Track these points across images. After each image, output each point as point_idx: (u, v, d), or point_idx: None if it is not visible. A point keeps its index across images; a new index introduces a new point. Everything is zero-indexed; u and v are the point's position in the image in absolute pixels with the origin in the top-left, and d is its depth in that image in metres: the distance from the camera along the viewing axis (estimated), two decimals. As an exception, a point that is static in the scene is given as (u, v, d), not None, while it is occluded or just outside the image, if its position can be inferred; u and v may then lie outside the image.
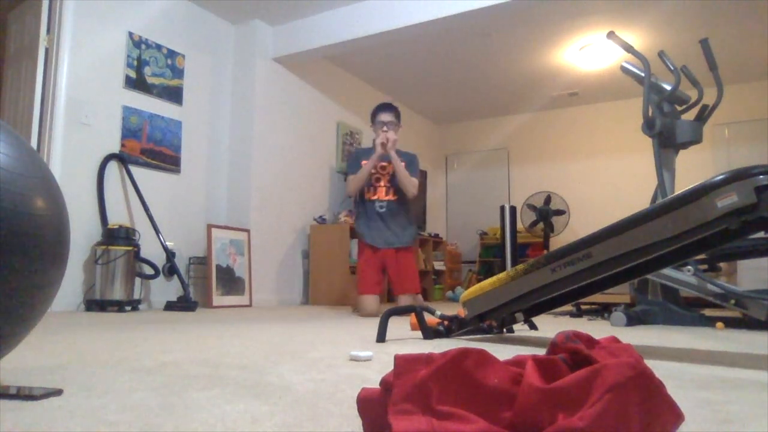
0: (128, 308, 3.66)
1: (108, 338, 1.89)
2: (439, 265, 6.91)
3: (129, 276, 3.67)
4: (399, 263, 3.68)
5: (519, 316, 1.91)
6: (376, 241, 3.68)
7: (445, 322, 2.03)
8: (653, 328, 2.73)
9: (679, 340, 2.11)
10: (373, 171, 3.71)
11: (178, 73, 4.54)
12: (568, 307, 3.96)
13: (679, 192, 1.37)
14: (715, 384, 1.12)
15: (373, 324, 2.60)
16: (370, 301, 3.59)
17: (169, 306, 3.91)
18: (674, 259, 1.49)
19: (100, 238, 3.70)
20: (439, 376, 0.61)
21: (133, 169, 4.07)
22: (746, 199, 1.24)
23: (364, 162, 3.71)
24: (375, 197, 3.71)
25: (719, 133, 6.31)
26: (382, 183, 3.72)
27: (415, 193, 3.74)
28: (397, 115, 3.78)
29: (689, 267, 2.59)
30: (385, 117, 3.72)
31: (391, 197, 3.71)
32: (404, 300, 3.59)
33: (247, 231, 4.78)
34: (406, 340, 1.95)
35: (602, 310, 3.75)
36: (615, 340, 0.80)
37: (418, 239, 3.84)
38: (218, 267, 4.45)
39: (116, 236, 3.66)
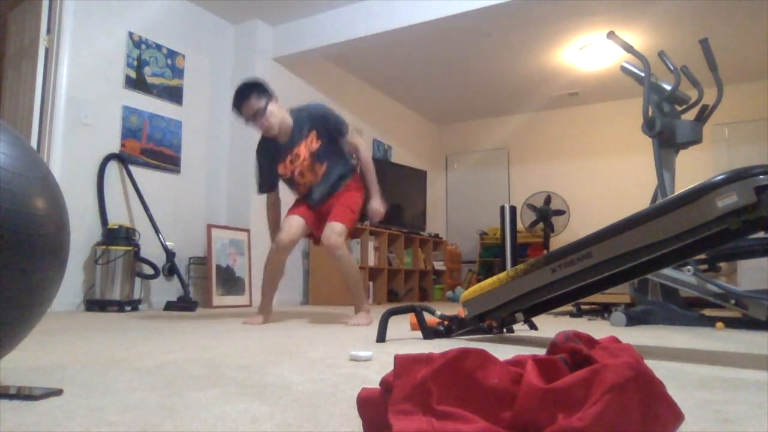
0: (128, 308, 3.65)
1: (108, 338, 1.89)
2: (439, 265, 6.92)
3: (129, 276, 3.67)
4: (336, 201, 2.89)
5: (519, 316, 1.91)
6: (311, 200, 2.93)
7: (445, 322, 2.03)
8: (653, 328, 2.73)
9: (679, 340, 2.11)
10: (285, 169, 2.89)
11: (178, 73, 4.54)
12: (568, 307, 3.96)
13: (679, 192, 1.37)
14: (715, 384, 1.12)
15: (373, 324, 2.60)
16: (294, 219, 2.83)
17: (169, 306, 3.91)
18: (674, 259, 1.49)
19: (100, 238, 3.70)
20: (439, 376, 0.61)
21: (133, 169, 4.07)
22: (746, 199, 1.24)
23: (280, 168, 2.89)
24: (306, 189, 2.93)
25: (719, 133, 6.31)
26: (306, 166, 2.87)
27: (364, 150, 2.94)
28: (262, 91, 2.80)
29: (689, 267, 2.59)
30: (249, 108, 2.77)
31: (324, 171, 2.88)
32: (329, 231, 2.74)
33: (247, 231, 4.78)
34: (406, 340, 1.95)
35: (602, 310, 3.75)
36: (615, 340, 0.80)
37: (357, 174, 2.95)
38: (218, 267, 4.45)
39: (116, 236, 3.66)
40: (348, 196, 2.90)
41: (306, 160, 2.85)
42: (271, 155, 2.92)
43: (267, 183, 2.98)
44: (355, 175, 2.97)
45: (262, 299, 2.89)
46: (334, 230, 2.74)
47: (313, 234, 3.02)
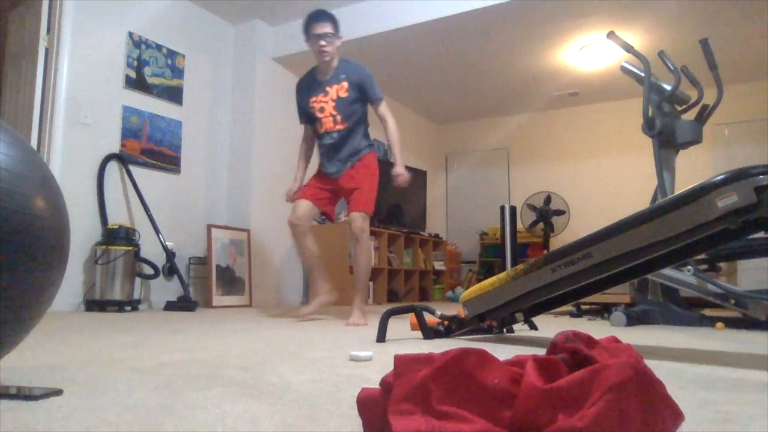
0: (128, 308, 3.65)
1: (108, 338, 1.89)
2: (439, 265, 6.91)
3: (129, 276, 3.67)
4: (353, 181, 3.06)
5: (519, 316, 1.91)
6: (329, 169, 3.12)
7: (445, 322, 2.03)
8: (653, 328, 2.73)
9: (679, 340, 2.11)
10: (315, 102, 3.08)
11: (178, 73, 4.54)
12: (568, 307, 3.96)
13: (679, 192, 1.37)
14: (715, 384, 1.12)
15: (374, 324, 2.60)
16: (301, 205, 3.07)
17: (169, 306, 3.91)
18: (674, 259, 1.49)
19: (100, 238, 3.70)
20: (439, 376, 0.61)
21: (133, 169, 4.07)
22: (746, 199, 1.24)
23: (312, 102, 3.09)
24: (323, 130, 3.09)
25: (719, 133, 6.31)
26: (326, 112, 3.06)
27: (392, 121, 3.11)
28: (335, 24, 3.06)
29: (689, 267, 2.59)
30: (320, 28, 2.99)
31: (339, 127, 3.05)
32: (356, 218, 2.95)
33: (247, 231, 4.78)
34: (406, 340, 1.95)
35: (602, 310, 3.74)
36: (615, 340, 0.80)
37: (374, 151, 3.16)
38: (218, 267, 4.45)
39: (116, 236, 3.66)
40: (365, 175, 3.06)
41: (331, 102, 3.05)
42: (307, 88, 3.15)
43: (303, 114, 3.20)
44: (372, 152, 3.13)
45: (311, 286, 3.22)
46: (360, 216, 2.95)
47: (326, 213, 3.23)
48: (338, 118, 3.05)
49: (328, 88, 3.05)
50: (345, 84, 3.04)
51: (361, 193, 3.01)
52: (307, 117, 3.17)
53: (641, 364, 0.62)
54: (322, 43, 2.99)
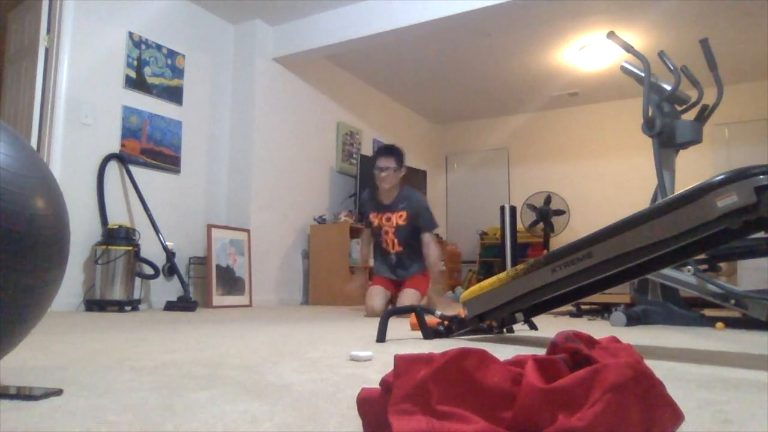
0: (128, 308, 3.65)
1: (108, 338, 1.89)
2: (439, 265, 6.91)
3: (129, 276, 3.67)
4: (406, 282, 3.70)
5: (519, 316, 1.91)
6: (382, 274, 3.76)
7: (445, 322, 2.03)
8: (653, 328, 2.73)
9: (679, 340, 2.11)
10: (375, 218, 3.70)
11: (178, 73, 4.54)
12: (568, 307, 3.96)
13: (679, 192, 1.37)
14: (715, 384, 1.12)
15: (374, 324, 2.60)
16: (377, 292, 3.57)
17: (169, 306, 3.91)
18: (674, 259, 1.49)
19: (100, 238, 3.70)
20: (439, 376, 0.61)
21: (133, 169, 4.08)
22: (746, 199, 1.24)
23: (372, 216, 3.72)
24: (384, 246, 3.72)
25: (719, 133, 6.31)
26: (389, 234, 3.67)
27: (434, 248, 3.67)
28: (399, 159, 3.62)
29: (689, 267, 2.59)
30: (384, 162, 3.58)
31: (398, 249, 3.67)
32: (408, 295, 3.49)
33: (247, 231, 4.78)
34: (406, 340, 1.95)
35: (602, 310, 3.75)
36: (615, 340, 0.80)
37: (424, 272, 3.74)
38: (218, 267, 4.45)
39: (116, 236, 3.66)
40: (417, 281, 3.64)
41: (392, 228, 3.65)
42: (373, 204, 3.76)
43: (365, 219, 3.87)
44: (425, 272, 3.69)
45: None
46: (409, 293, 3.50)
47: (392, 297, 3.74)
48: (396, 242, 3.65)
49: (389, 214, 3.64)
50: (404, 213, 3.59)
51: (413, 283, 3.62)
52: (367, 223, 3.80)
53: (641, 364, 0.62)
54: (383, 175, 3.56)
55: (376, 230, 3.72)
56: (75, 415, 0.80)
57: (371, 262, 4.01)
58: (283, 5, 4.77)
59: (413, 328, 2.23)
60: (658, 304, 2.99)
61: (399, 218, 3.61)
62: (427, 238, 3.61)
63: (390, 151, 3.64)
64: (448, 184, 8.08)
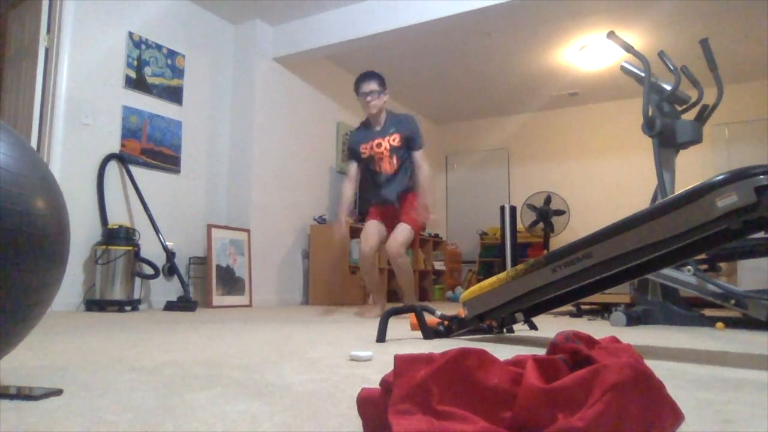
0: (128, 308, 3.65)
1: (108, 338, 1.89)
2: (439, 265, 6.91)
3: (129, 276, 3.67)
4: (406, 206, 3.59)
5: (519, 316, 1.91)
6: (389, 196, 3.62)
7: (445, 322, 2.03)
8: (653, 328, 2.73)
9: (679, 340, 2.11)
10: (365, 148, 3.59)
11: (178, 73, 4.54)
12: (568, 307, 3.96)
13: (679, 192, 1.37)
14: (715, 384, 1.12)
15: (374, 324, 2.60)
16: (371, 230, 3.53)
17: (169, 306, 3.91)
18: (674, 259, 1.49)
19: (100, 238, 3.70)
20: (439, 376, 0.61)
21: (133, 169, 4.08)
22: (746, 199, 1.24)
23: (362, 147, 3.60)
24: (379, 171, 3.61)
25: (719, 133, 6.31)
26: (384, 161, 3.58)
27: (426, 167, 3.60)
28: (380, 82, 3.59)
29: (689, 267, 2.59)
30: (368, 87, 3.54)
31: (395, 169, 3.58)
32: (401, 230, 3.44)
33: (247, 231, 4.78)
34: (406, 340, 1.95)
35: (602, 310, 3.75)
36: (615, 340, 0.80)
37: (417, 190, 3.63)
38: (218, 267, 4.45)
39: (116, 236, 3.66)
40: (411, 208, 3.58)
41: (386, 150, 3.57)
42: (361, 136, 3.65)
43: (352, 154, 3.72)
44: (416, 192, 3.62)
45: (372, 296, 3.79)
46: (398, 241, 3.43)
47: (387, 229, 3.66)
48: (392, 164, 3.59)
49: (380, 140, 3.58)
50: (397, 136, 3.56)
51: (410, 215, 3.55)
52: (355, 157, 3.68)
53: (641, 364, 0.62)
54: (369, 99, 3.52)
55: (368, 162, 3.63)
56: (75, 415, 0.80)
57: (349, 204, 3.78)
58: (283, 5, 4.77)
59: (413, 328, 2.23)
60: (658, 304, 2.99)
61: (392, 141, 3.56)
62: (419, 156, 3.57)
63: (370, 75, 3.59)
64: (448, 184, 8.08)
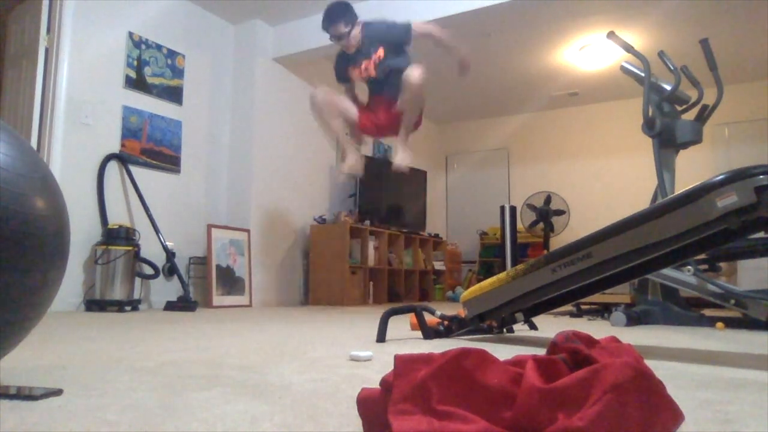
0: (128, 308, 3.65)
1: (108, 338, 1.89)
2: (439, 265, 6.91)
3: (129, 276, 3.67)
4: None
5: (519, 316, 1.91)
6: (372, 94, 3.61)
7: (445, 322, 2.03)
8: (653, 328, 2.73)
9: (679, 340, 2.11)
10: (354, 70, 3.52)
11: (178, 72, 4.54)
12: (568, 307, 3.96)
13: (679, 192, 1.37)
14: (715, 384, 1.12)
15: (374, 324, 2.60)
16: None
17: (169, 306, 3.91)
18: (674, 259, 1.49)
19: (100, 238, 3.70)
20: (439, 376, 0.61)
21: (133, 169, 4.07)
22: (746, 199, 1.24)
23: (353, 73, 3.53)
24: (372, 77, 3.52)
25: (719, 133, 6.31)
26: (374, 71, 3.48)
27: (433, 26, 3.49)
28: (347, 18, 3.39)
29: (689, 267, 2.59)
30: (335, 31, 3.40)
31: (385, 73, 3.47)
32: (411, 72, 3.26)
33: (247, 231, 4.78)
34: (406, 340, 1.95)
35: (602, 310, 3.74)
36: (615, 340, 0.80)
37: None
38: (218, 267, 4.45)
39: (116, 236, 3.66)
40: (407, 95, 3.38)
41: (374, 65, 3.45)
42: (345, 61, 3.57)
43: (341, 78, 3.66)
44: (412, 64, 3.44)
45: (341, 146, 3.72)
46: (415, 72, 3.25)
47: (362, 128, 3.64)
48: (384, 69, 3.43)
49: (365, 61, 3.45)
50: (381, 49, 3.42)
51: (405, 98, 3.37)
52: (345, 79, 3.61)
53: (641, 364, 0.62)
54: (342, 42, 3.41)
55: (359, 80, 3.58)
56: (75, 415, 0.80)
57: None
58: (283, 5, 4.77)
59: (413, 328, 2.23)
60: (658, 304, 2.99)
61: (377, 57, 3.44)
62: (421, 30, 3.45)
63: (332, 15, 3.39)
64: (448, 184, 8.08)
